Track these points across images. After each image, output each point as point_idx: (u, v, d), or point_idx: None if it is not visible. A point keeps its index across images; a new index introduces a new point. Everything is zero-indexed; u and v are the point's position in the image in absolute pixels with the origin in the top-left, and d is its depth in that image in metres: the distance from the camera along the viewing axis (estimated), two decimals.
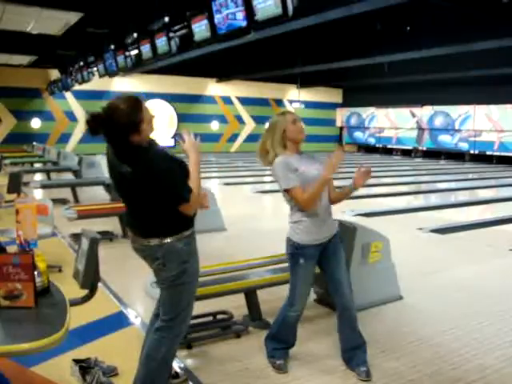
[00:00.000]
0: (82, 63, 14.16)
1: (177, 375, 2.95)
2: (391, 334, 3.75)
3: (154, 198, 2.47)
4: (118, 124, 2.38)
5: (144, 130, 2.45)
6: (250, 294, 3.84)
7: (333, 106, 27.15)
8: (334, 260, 3.13)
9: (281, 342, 3.24)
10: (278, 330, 3.24)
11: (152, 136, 2.55)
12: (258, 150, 3.16)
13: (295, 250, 3.07)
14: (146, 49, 9.49)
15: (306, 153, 3.20)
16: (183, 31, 8.02)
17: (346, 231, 4.01)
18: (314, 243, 3.04)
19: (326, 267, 3.17)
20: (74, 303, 2.38)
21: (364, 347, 3.17)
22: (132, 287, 4.69)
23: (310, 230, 3.03)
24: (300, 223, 3.04)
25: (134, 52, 10.31)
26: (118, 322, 2.75)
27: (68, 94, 19.83)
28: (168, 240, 2.52)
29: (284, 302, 3.24)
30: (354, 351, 3.15)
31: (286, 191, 3.02)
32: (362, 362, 3.11)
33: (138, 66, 11.21)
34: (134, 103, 2.44)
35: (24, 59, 16.68)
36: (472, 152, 21.47)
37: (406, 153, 24.18)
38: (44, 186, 9.48)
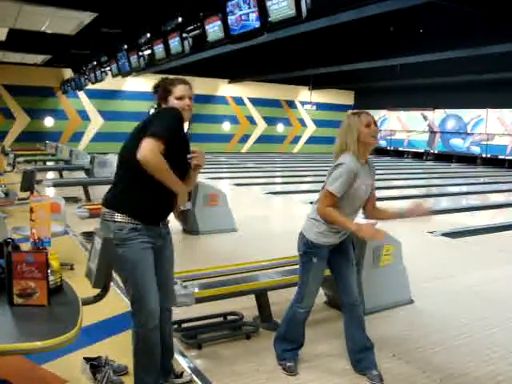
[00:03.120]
0: (95, 63, 14.25)
1: (181, 375, 2.94)
2: (402, 338, 3.73)
3: None
4: None
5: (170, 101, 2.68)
6: (261, 296, 3.84)
7: (344, 108, 27.00)
8: (343, 259, 3.15)
9: (290, 343, 3.23)
10: (286, 329, 3.24)
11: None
12: (335, 151, 3.03)
13: (308, 249, 3.06)
14: (159, 49, 9.52)
15: (369, 161, 3.10)
16: (196, 32, 8.03)
17: None
18: (327, 244, 3.05)
19: (334, 265, 3.18)
20: (87, 302, 2.39)
21: (373, 350, 3.15)
22: None
23: (328, 234, 3.02)
24: (319, 224, 3.01)
25: (147, 52, 10.35)
26: (129, 321, 2.76)
27: (81, 93, 19.97)
28: (112, 216, 2.62)
29: (292, 300, 3.23)
30: (363, 353, 3.14)
31: (325, 190, 2.95)
32: (373, 366, 3.10)
33: (151, 66, 11.25)
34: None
35: (38, 58, 16.81)
36: (484, 156, 21.31)
37: (418, 156, 24.06)
38: (56, 185, 9.55)
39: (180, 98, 2.70)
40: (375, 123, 2.99)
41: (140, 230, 2.59)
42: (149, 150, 2.43)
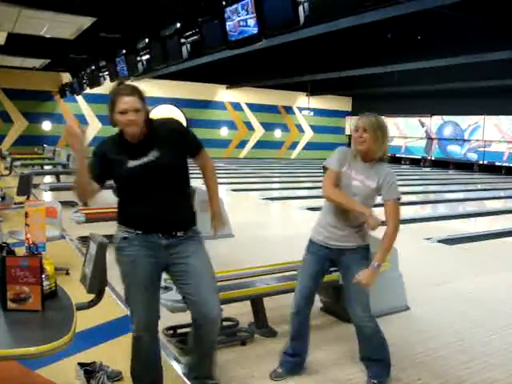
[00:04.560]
0: (93, 67, 14.26)
1: None
2: (397, 344, 3.72)
3: None
4: None
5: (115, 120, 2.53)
6: (256, 302, 3.83)
7: (342, 114, 27.14)
8: (347, 275, 3.04)
9: (290, 344, 3.22)
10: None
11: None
12: None
13: (307, 243, 3.12)
14: (157, 54, 9.53)
15: (379, 165, 2.96)
16: (195, 37, 8.05)
17: None
18: (317, 242, 3.04)
19: (342, 279, 3.15)
20: (81, 307, 2.38)
21: (380, 363, 3.10)
22: None
23: (318, 229, 3.05)
24: (318, 220, 3.09)
25: (146, 57, 10.37)
26: (123, 326, 2.75)
27: (79, 98, 19.98)
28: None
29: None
30: (368, 362, 3.11)
31: (324, 168, 3.01)
32: (375, 376, 3.08)
33: (149, 71, 11.27)
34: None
35: (37, 62, 16.82)
36: (481, 162, 21.37)
37: (415, 162, 24.10)
38: (53, 189, 9.53)
39: (122, 113, 2.47)
40: (364, 129, 2.90)
41: (131, 239, 2.56)
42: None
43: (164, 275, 2.77)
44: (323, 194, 2.97)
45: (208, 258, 2.71)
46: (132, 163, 2.52)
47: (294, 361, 3.21)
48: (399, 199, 2.94)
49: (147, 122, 2.54)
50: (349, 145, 19.73)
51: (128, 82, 2.59)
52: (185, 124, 2.67)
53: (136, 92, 2.49)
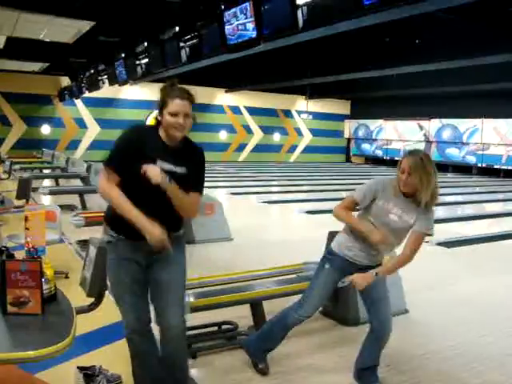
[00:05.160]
0: (92, 71, 14.27)
1: None
2: (397, 348, 3.72)
3: None
4: None
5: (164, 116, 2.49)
6: (256, 305, 3.83)
7: (341, 118, 27.16)
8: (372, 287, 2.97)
9: (265, 343, 3.25)
10: (271, 329, 3.24)
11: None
12: None
13: (327, 255, 3.09)
14: (156, 58, 9.56)
15: (420, 208, 2.88)
16: (193, 41, 8.07)
17: None
18: (345, 257, 3.00)
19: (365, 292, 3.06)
20: (81, 311, 2.39)
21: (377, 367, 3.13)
22: None
23: (347, 245, 3.00)
24: (345, 234, 3.03)
25: (144, 61, 10.39)
26: (123, 330, 2.75)
27: (78, 101, 19.97)
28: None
29: (294, 302, 3.22)
30: (370, 369, 3.11)
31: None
32: (376, 380, 3.08)
33: (148, 75, 11.28)
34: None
35: (36, 66, 16.84)
36: (479, 165, 21.40)
37: None
38: (52, 193, 9.53)
39: (173, 115, 2.45)
40: (409, 172, 2.77)
41: (115, 243, 2.56)
42: (99, 180, 2.50)
43: None
44: (333, 213, 2.99)
45: (184, 265, 2.72)
46: (160, 164, 2.46)
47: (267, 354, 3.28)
48: (429, 235, 2.94)
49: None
50: (347, 148, 19.76)
51: (180, 86, 2.54)
52: None
53: (189, 97, 2.50)
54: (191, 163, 2.57)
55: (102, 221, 2.67)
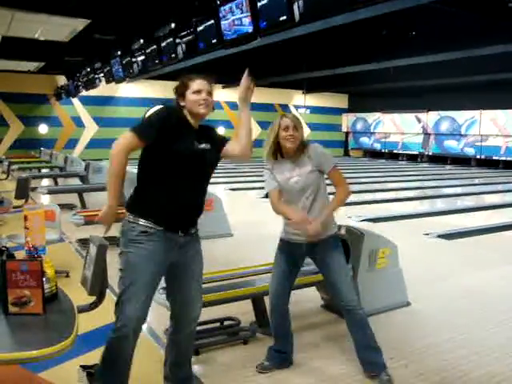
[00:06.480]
0: (88, 69, 14.23)
1: None
2: (399, 340, 3.74)
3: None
4: None
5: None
6: (258, 301, 3.83)
7: (338, 112, 27.13)
8: (323, 266, 3.15)
9: (276, 339, 3.30)
10: (276, 326, 3.32)
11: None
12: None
13: (279, 243, 3.26)
14: (152, 55, 9.52)
15: (306, 156, 3.08)
16: (189, 37, 8.04)
17: (354, 237, 4.01)
18: (289, 241, 3.15)
19: (321, 272, 3.24)
20: (82, 310, 2.38)
21: (378, 353, 3.13)
22: None
23: (285, 229, 3.17)
24: (283, 219, 3.17)
25: (141, 58, 10.35)
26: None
27: (75, 100, 19.92)
28: (128, 216, 2.57)
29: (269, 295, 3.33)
30: (367, 352, 3.13)
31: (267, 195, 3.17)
32: (381, 369, 3.08)
33: (145, 72, 11.25)
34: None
35: (32, 65, 16.78)
36: (478, 157, 21.40)
37: (412, 158, 24.12)
38: (51, 192, 9.52)
39: (196, 92, 2.59)
40: (295, 127, 3.07)
41: (151, 234, 2.50)
42: (116, 142, 2.46)
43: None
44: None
45: (202, 258, 2.77)
46: (197, 145, 2.60)
47: (280, 356, 3.26)
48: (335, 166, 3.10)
49: None
50: (345, 141, 19.81)
51: None
52: None
53: (209, 79, 2.68)
54: (212, 139, 2.75)
55: (126, 211, 2.59)
